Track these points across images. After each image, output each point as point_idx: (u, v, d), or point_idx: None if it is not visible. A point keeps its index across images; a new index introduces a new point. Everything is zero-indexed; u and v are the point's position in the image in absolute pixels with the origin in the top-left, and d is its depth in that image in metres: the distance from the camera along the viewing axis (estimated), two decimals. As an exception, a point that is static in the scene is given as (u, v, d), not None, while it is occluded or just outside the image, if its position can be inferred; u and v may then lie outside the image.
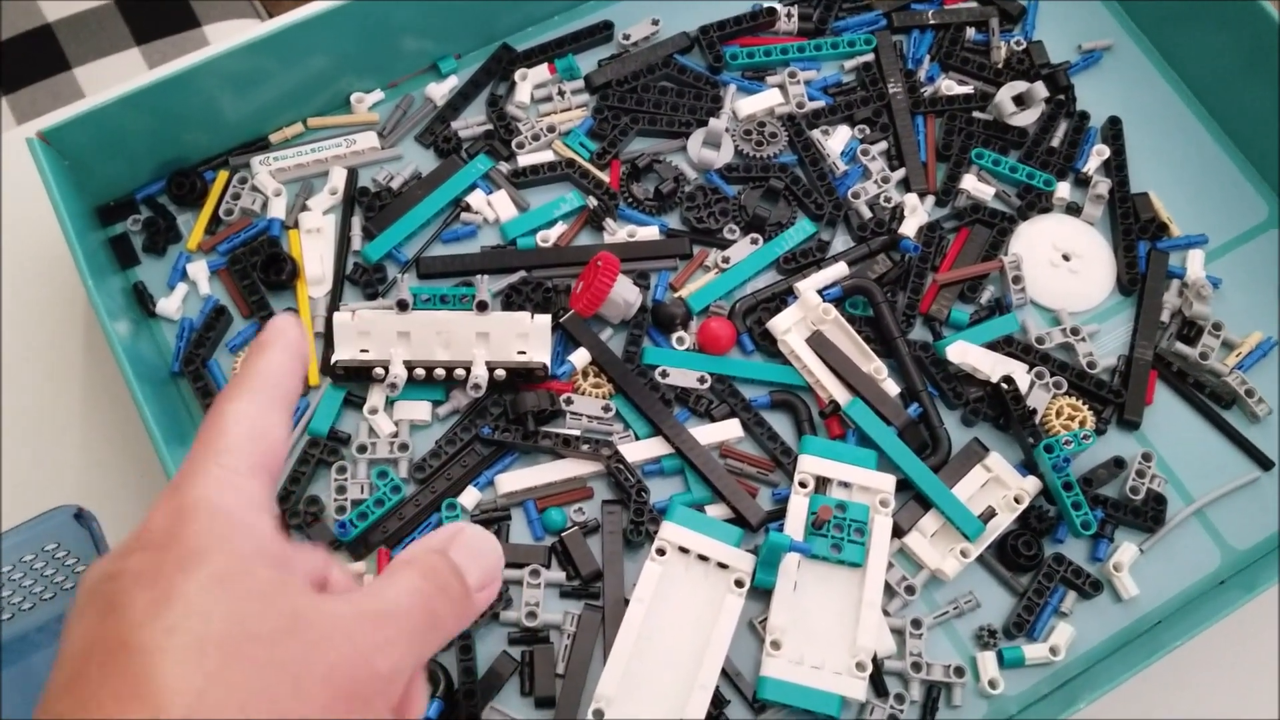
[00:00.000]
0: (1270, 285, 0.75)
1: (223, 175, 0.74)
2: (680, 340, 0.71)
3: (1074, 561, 0.67)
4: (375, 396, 0.69)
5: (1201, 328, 0.72)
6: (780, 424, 0.70)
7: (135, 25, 1.06)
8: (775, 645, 0.64)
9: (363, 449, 0.68)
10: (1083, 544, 0.68)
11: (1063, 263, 0.74)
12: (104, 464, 0.69)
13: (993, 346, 0.71)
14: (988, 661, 0.65)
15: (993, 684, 0.64)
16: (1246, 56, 0.75)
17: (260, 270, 0.71)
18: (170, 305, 0.71)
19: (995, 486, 0.68)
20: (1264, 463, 0.70)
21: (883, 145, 0.76)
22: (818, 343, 0.70)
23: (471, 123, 0.76)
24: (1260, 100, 0.75)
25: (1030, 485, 0.68)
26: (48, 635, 0.67)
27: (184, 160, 0.74)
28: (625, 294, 0.70)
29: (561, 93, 0.76)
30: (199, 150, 0.74)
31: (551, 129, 0.76)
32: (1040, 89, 0.76)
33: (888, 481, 0.67)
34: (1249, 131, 0.77)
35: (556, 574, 0.66)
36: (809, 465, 0.67)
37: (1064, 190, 0.75)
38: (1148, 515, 0.68)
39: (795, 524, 0.66)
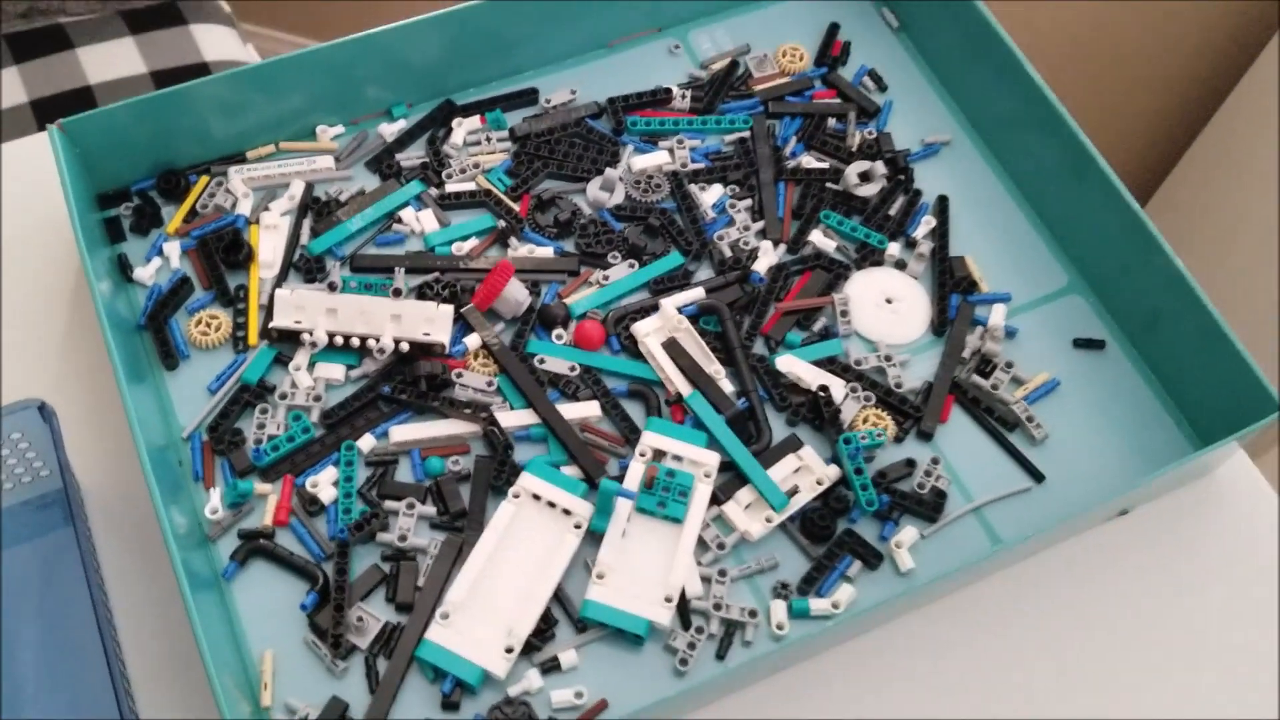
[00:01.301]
0: (1062, 338, 0.89)
1: (204, 179, 0.90)
2: (559, 336, 0.86)
3: (863, 537, 0.79)
4: (300, 356, 0.84)
5: (995, 364, 0.86)
6: (634, 411, 0.84)
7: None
8: (600, 576, 0.76)
9: (284, 396, 0.82)
10: (874, 526, 0.81)
11: (886, 305, 0.89)
12: (72, 390, 0.84)
13: (818, 364, 0.86)
14: (778, 609, 0.77)
15: (780, 627, 0.76)
16: (1060, 160, 0.91)
17: (222, 252, 0.87)
18: (145, 273, 0.86)
19: (805, 473, 0.82)
20: (1037, 476, 0.83)
21: (748, 202, 0.92)
22: (671, 346, 0.85)
23: (412, 156, 0.93)
24: (1068, 193, 0.91)
25: (832, 472, 0.81)
26: (6, 534, 0.80)
27: (174, 165, 0.90)
28: (516, 294, 0.85)
29: (489, 139, 0.93)
30: (188, 158, 0.91)
31: (476, 165, 0.92)
32: (880, 167, 0.92)
33: (713, 458, 0.80)
34: (1056, 216, 0.92)
35: (429, 509, 0.79)
36: (650, 440, 0.81)
37: (894, 249, 0.91)
38: (929, 506, 0.81)
39: (632, 483, 0.79)
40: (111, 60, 1.38)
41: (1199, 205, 1.73)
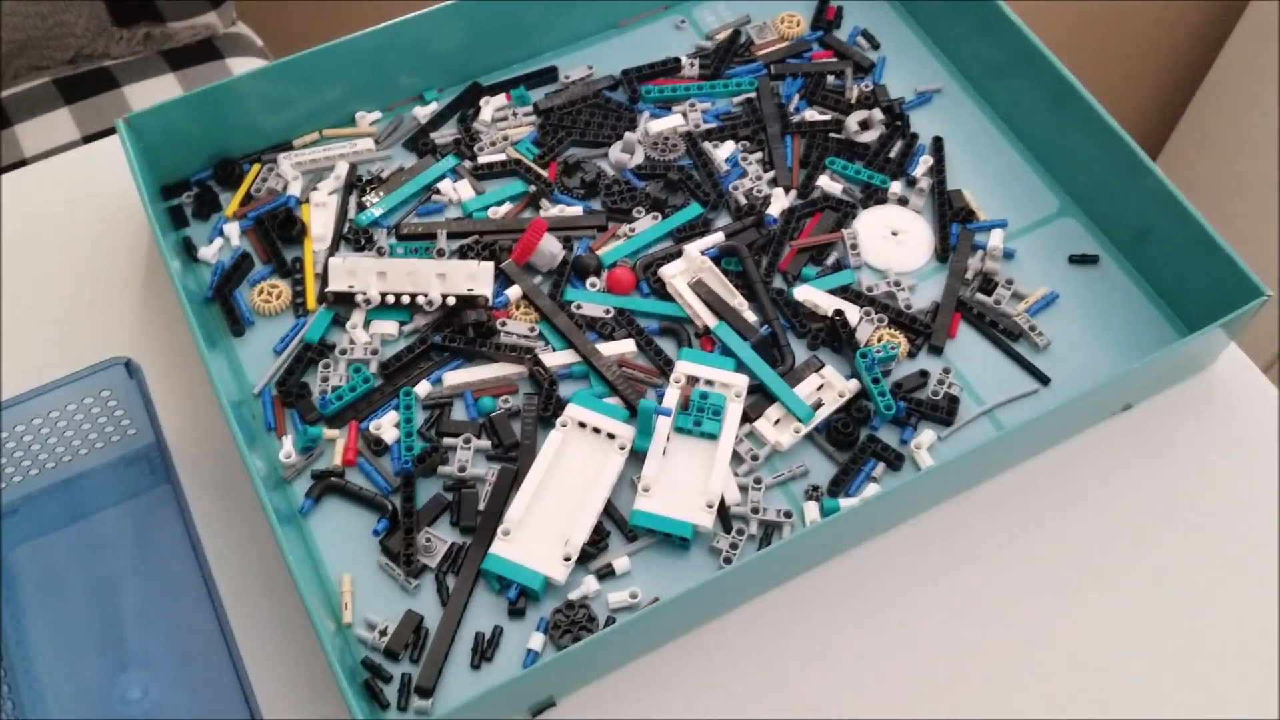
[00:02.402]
0: (1058, 256, 0.95)
1: (256, 166, 0.98)
2: (593, 284, 0.93)
3: (885, 441, 0.86)
4: (357, 315, 0.91)
5: (996, 282, 0.93)
6: (667, 346, 0.91)
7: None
8: (645, 489, 0.83)
9: (343, 351, 0.89)
10: (894, 433, 0.87)
11: (891, 237, 0.96)
12: (148, 359, 0.91)
13: (833, 293, 0.92)
14: (811, 509, 0.83)
15: (813, 524, 0.83)
16: (1045, 95, 0.98)
17: (277, 229, 0.94)
18: (209, 252, 0.94)
19: (827, 389, 0.88)
20: (1043, 379, 0.89)
21: (759, 155, 0.99)
22: (697, 285, 0.92)
23: (445, 134, 1.00)
24: (1055, 125, 0.98)
25: (852, 386, 0.88)
26: (98, 493, 0.87)
27: (229, 155, 0.98)
28: (550, 247, 0.93)
29: (515, 114, 1.01)
30: (240, 149, 0.99)
31: (505, 138, 1.00)
32: (878, 115, 1.00)
33: (742, 380, 0.87)
34: (1045, 147, 0.99)
35: (484, 443, 0.86)
36: (683, 368, 0.88)
37: (896, 188, 0.98)
38: (944, 411, 0.87)
39: (669, 406, 0.86)
40: (155, 95, 1.47)
41: (1198, 169, 1.80)
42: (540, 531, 0.82)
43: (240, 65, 1.53)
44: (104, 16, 1.47)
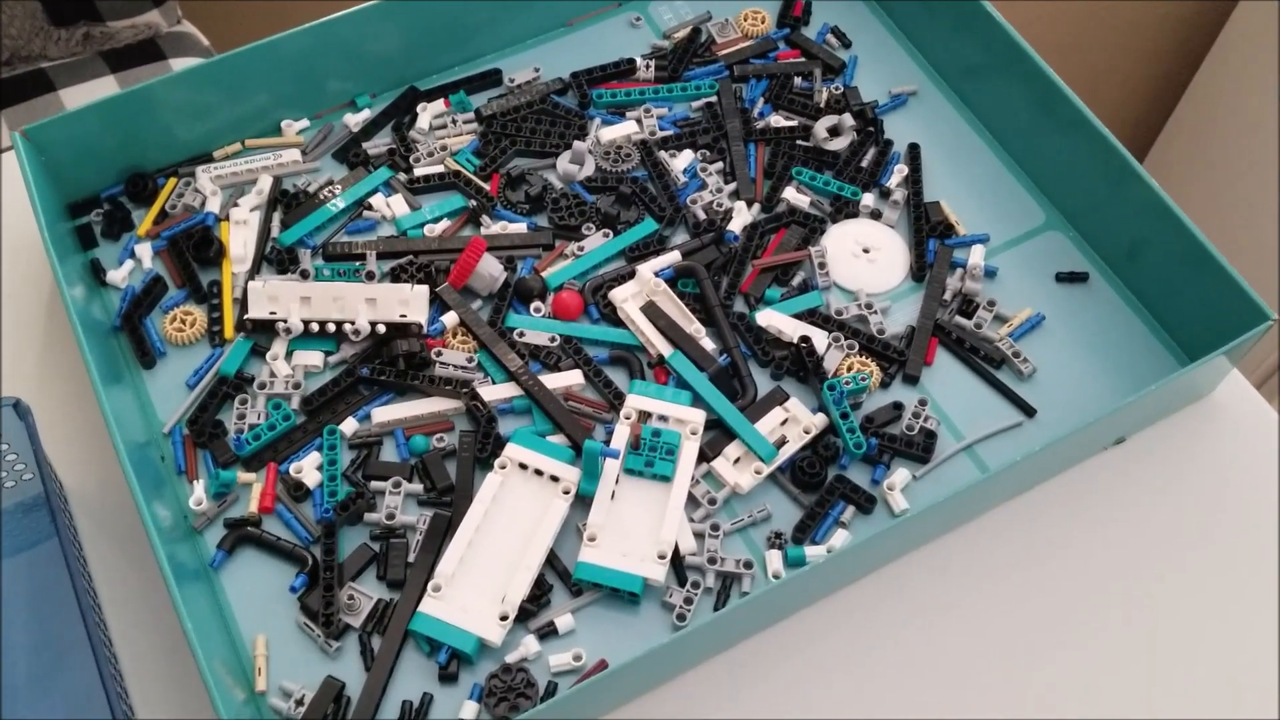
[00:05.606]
0: (1044, 273, 0.88)
1: (172, 180, 0.90)
2: (537, 309, 0.85)
3: (854, 482, 0.78)
4: (277, 345, 0.83)
5: (977, 304, 0.85)
6: (617, 377, 0.83)
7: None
8: (591, 539, 0.75)
9: (262, 386, 0.82)
10: (865, 472, 0.79)
11: (863, 254, 0.88)
12: (53, 394, 0.83)
13: (799, 317, 0.85)
14: (774, 558, 0.76)
15: (776, 575, 0.75)
16: (1029, 99, 0.90)
17: (193, 250, 0.87)
18: (118, 276, 0.86)
19: (792, 424, 0.81)
20: (1028, 410, 0.82)
21: (719, 165, 0.92)
22: (650, 310, 0.84)
23: (379, 144, 0.92)
24: (1040, 131, 0.90)
25: (819, 421, 0.80)
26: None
27: (142, 169, 0.90)
28: (490, 269, 0.85)
29: (454, 121, 0.93)
30: (156, 162, 0.91)
31: (444, 148, 0.92)
32: (848, 120, 0.92)
33: (698, 415, 0.80)
34: (1029, 155, 0.92)
35: (415, 486, 0.78)
36: (634, 402, 0.80)
37: (869, 199, 0.90)
38: (920, 447, 0.79)
39: (618, 446, 0.78)
40: (94, 98, 1.39)
41: (1187, 179, 1.72)
42: (475, 587, 0.74)
43: (184, 66, 1.45)
44: (40, 16, 1.38)
